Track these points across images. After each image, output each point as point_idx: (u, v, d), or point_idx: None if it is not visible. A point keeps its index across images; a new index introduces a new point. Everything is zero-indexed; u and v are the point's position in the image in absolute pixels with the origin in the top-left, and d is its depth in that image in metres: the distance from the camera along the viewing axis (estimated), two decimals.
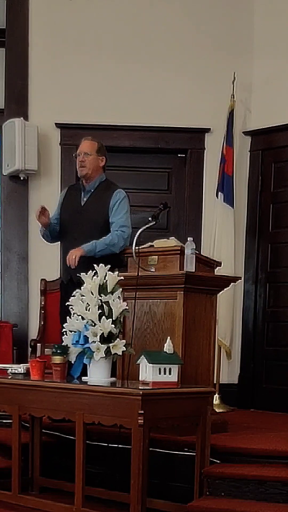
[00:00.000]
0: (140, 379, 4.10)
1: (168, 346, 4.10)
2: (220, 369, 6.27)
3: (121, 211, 5.20)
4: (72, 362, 4.35)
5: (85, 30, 6.71)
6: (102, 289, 4.23)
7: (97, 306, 4.19)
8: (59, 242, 5.53)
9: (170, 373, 4.04)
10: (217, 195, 6.40)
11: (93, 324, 4.17)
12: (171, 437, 4.48)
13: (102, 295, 4.21)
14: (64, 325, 4.37)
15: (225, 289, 4.99)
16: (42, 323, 6.40)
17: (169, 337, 4.21)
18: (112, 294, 4.23)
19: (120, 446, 4.36)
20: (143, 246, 4.77)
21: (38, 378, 4.37)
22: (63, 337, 4.37)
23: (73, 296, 4.32)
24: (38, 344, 6.26)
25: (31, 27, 6.72)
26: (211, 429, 4.19)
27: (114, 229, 5.16)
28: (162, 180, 6.91)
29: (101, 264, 4.31)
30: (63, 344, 4.35)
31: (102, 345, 4.14)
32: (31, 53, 6.73)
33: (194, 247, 4.64)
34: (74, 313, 4.28)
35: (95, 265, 4.32)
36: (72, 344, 4.27)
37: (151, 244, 4.85)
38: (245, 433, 4.91)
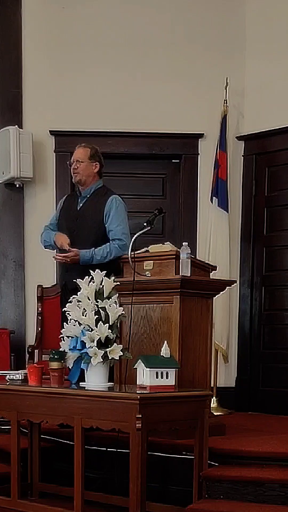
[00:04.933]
0: (137, 383, 4.11)
1: (165, 350, 4.12)
2: (217, 373, 6.27)
3: (118, 218, 5.17)
4: (70, 367, 4.37)
5: (78, 37, 6.73)
6: (99, 294, 4.24)
7: (93, 312, 4.20)
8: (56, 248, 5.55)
9: (167, 377, 4.05)
10: (211, 200, 6.44)
11: (90, 330, 4.18)
12: (169, 440, 4.49)
13: (98, 300, 4.22)
14: (61, 331, 4.39)
15: (220, 293, 5.00)
16: (39, 329, 6.41)
17: (166, 341, 4.22)
18: (109, 300, 4.24)
19: (118, 450, 4.37)
20: (138, 251, 4.79)
21: (36, 384, 4.38)
22: (60, 343, 4.39)
23: (70, 302, 4.35)
24: (35, 350, 6.28)
25: (24, 35, 6.74)
26: (209, 432, 4.20)
27: (112, 237, 5.13)
28: (156, 186, 6.93)
29: (97, 270, 4.34)
30: (60, 349, 4.37)
31: (99, 350, 4.15)
32: (24, 61, 6.75)
33: (189, 252, 4.64)
34: (71, 319, 4.30)
35: (91, 270, 4.35)
36: (70, 349, 4.28)
37: (147, 249, 4.86)
38: (243, 435, 4.92)
